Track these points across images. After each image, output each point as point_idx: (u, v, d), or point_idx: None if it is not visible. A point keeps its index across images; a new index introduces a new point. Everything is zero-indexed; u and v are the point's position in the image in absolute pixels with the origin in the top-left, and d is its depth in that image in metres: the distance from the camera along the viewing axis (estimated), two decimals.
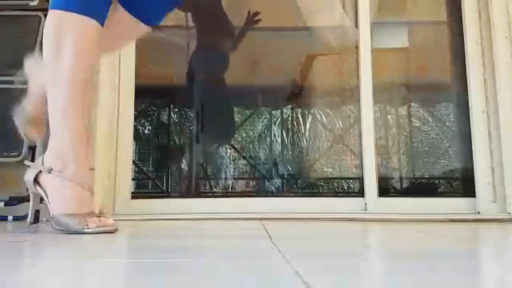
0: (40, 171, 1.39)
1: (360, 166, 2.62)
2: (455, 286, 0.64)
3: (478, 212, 2.41)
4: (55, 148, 1.41)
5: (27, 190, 1.45)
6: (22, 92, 2.14)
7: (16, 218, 2.06)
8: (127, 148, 2.52)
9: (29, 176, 1.41)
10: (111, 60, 2.50)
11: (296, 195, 3.17)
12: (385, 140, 3.34)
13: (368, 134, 2.56)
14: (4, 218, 2.06)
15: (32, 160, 2.01)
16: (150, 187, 3.51)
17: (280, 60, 3.43)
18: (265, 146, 3.71)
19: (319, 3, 3.33)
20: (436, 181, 3.34)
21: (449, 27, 2.98)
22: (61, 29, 1.39)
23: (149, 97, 3.52)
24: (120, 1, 1.55)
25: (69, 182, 1.36)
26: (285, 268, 0.76)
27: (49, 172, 1.37)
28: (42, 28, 2.23)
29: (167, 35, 3.21)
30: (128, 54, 2.57)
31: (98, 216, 1.39)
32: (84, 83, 1.41)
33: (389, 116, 3.41)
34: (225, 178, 3.53)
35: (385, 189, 2.85)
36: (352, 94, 2.89)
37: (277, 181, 3.32)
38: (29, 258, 0.97)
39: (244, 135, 3.75)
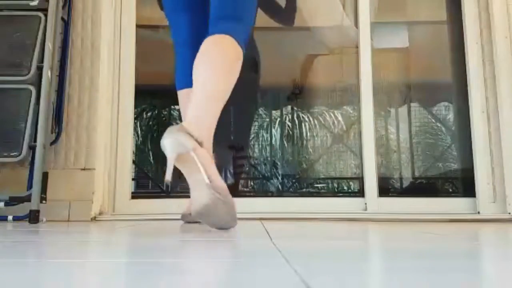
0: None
1: (360, 166, 2.62)
2: (455, 286, 0.64)
3: (478, 212, 2.41)
4: None
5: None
6: (22, 92, 2.14)
7: (16, 218, 2.06)
8: (127, 148, 2.52)
9: None
10: (111, 60, 2.51)
11: (296, 195, 3.17)
12: (385, 140, 3.34)
13: (368, 134, 2.56)
14: (4, 218, 2.06)
15: (32, 160, 2.02)
16: (150, 187, 3.51)
17: (280, 60, 3.43)
18: (265, 146, 3.71)
19: (319, 3, 3.32)
20: (436, 181, 3.33)
21: (449, 27, 2.98)
22: None
23: (149, 97, 3.52)
24: None
25: None
26: (285, 268, 0.76)
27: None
28: (42, 28, 2.24)
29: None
30: (128, 54, 2.57)
31: None
32: None
33: (389, 116, 3.41)
34: (225, 178, 3.53)
35: (385, 189, 2.85)
36: (352, 94, 2.89)
37: (277, 181, 3.32)
38: (30, 258, 0.97)
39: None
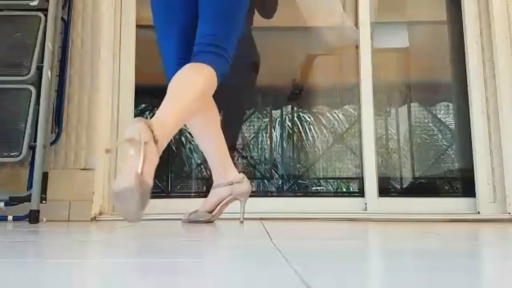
0: None
1: (360, 166, 2.62)
2: (455, 286, 0.64)
3: (478, 212, 2.41)
4: None
5: None
6: (22, 92, 2.14)
7: (16, 218, 2.06)
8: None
9: None
10: (111, 60, 2.50)
11: (296, 195, 3.17)
12: (385, 140, 3.34)
13: (368, 134, 2.56)
14: (4, 218, 2.06)
15: (32, 160, 2.02)
16: None
17: (280, 60, 3.43)
18: (265, 146, 3.71)
19: (319, 3, 3.32)
20: (436, 181, 3.33)
21: (449, 27, 2.98)
22: None
23: (149, 97, 3.52)
24: None
25: None
26: (285, 268, 0.76)
27: None
28: (42, 28, 2.24)
29: None
30: (128, 54, 2.57)
31: None
32: None
33: (389, 116, 3.41)
34: None
35: (385, 189, 2.84)
36: (352, 94, 2.89)
37: (277, 181, 3.31)
38: (30, 258, 0.97)
39: (244, 135, 3.75)
